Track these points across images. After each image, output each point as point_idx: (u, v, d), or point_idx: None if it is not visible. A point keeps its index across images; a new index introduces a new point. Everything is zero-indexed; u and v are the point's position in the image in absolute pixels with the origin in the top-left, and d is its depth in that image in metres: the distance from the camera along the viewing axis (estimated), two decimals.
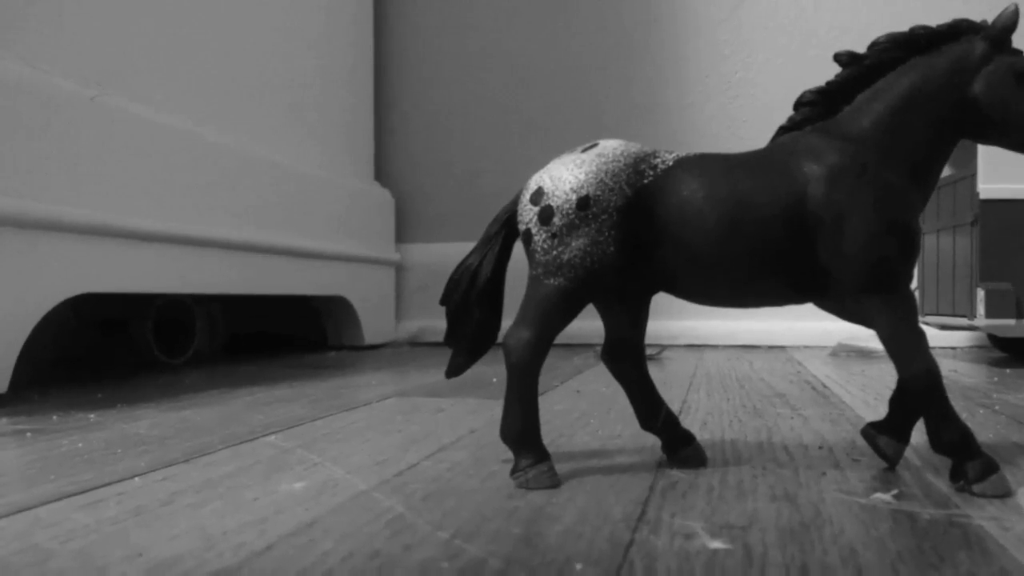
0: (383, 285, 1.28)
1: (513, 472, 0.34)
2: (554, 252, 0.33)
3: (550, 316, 0.34)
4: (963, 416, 0.35)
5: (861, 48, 0.36)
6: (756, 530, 0.27)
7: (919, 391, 0.33)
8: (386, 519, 0.29)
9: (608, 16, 1.32)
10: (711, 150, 0.37)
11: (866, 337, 1.03)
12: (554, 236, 0.33)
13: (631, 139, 0.38)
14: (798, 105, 0.36)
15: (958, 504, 0.31)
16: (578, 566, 0.24)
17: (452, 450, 0.42)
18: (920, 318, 1.01)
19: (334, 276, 1.10)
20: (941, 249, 0.97)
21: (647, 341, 0.39)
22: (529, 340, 0.34)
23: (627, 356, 0.38)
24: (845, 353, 1.03)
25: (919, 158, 0.34)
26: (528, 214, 0.34)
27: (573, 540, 0.26)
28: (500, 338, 0.36)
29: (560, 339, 0.38)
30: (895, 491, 0.32)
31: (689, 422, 0.48)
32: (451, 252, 1.35)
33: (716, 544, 0.26)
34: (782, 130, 0.36)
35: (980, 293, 0.83)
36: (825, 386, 0.69)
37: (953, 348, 1.13)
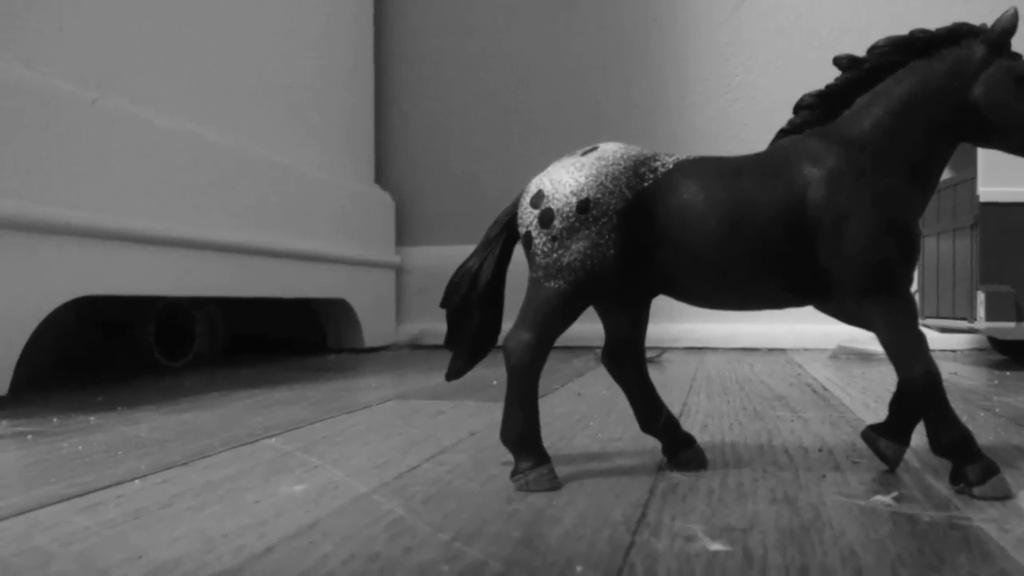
0: (383, 288, 1.28)
1: (513, 474, 0.34)
2: (554, 255, 0.33)
3: (550, 319, 0.34)
4: (963, 419, 0.35)
5: (861, 50, 0.36)
6: (756, 532, 0.27)
7: (919, 393, 0.33)
8: (386, 522, 0.29)
9: (608, 17, 1.32)
10: (711, 152, 0.37)
11: (866, 340, 1.03)
12: (554, 239, 0.33)
13: (631, 141, 0.38)
14: (797, 108, 0.36)
15: (958, 506, 0.31)
16: (578, 568, 0.24)
17: (452, 453, 0.42)
18: (920, 321, 1.01)
19: (334, 279, 1.11)
20: (941, 252, 0.97)
21: (647, 344, 0.39)
22: (529, 342, 0.34)
23: (627, 358, 0.38)
24: (845, 356, 1.03)
25: (918, 161, 0.34)
26: (528, 217, 0.34)
27: (573, 542, 0.26)
28: (500, 341, 0.36)
29: (560, 341, 0.38)
30: (895, 493, 0.32)
31: (689, 425, 0.48)
32: (451, 254, 1.35)
33: (716, 546, 0.26)
34: (782, 133, 0.36)
35: (980, 296, 0.83)
36: (825, 388, 0.69)
37: (953, 351, 1.13)
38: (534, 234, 0.34)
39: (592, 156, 0.35)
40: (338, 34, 1.19)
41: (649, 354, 0.96)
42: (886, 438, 0.37)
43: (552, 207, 0.34)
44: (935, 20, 0.38)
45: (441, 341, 1.38)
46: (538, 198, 0.34)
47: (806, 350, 1.17)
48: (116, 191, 0.70)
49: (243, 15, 0.94)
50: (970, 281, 0.87)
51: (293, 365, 0.96)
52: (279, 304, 1.22)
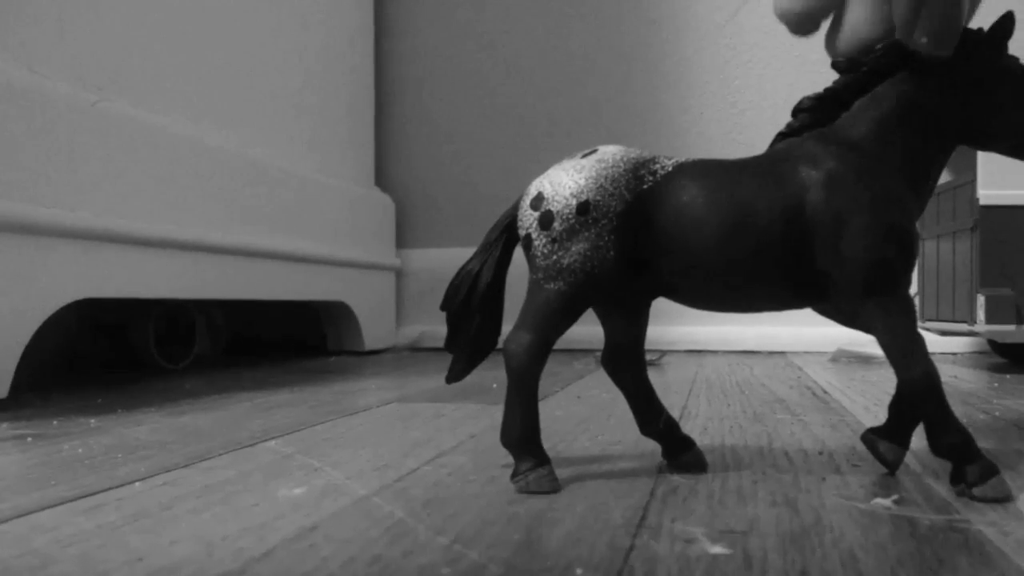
0: (383, 290, 1.28)
1: (513, 476, 0.34)
2: (554, 257, 0.33)
3: (550, 320, 0.34)
4: (963, 422, 0.35)
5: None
6: (756, 535, 0.27)
7: (918, 395, 0.33)
8: (386, 524, 0.29)
9: (608, 20, 1.32)
10: (711, 155, 0.37)
11: (866, 342, 1.03)
12: (554, 241, 0.33)
13: (631, 144, 0.38)
14: (796, 111, 0.36)
15: (958, 509, 0.31)
16: (579, 571, 0.24)
17: (452, 455, 0.42)
18: (920, 324, 1.01)
19: (334, 281, 1.11)
20: (941, 255, 0.97)
21: (647, 347, 0.39)
22: (529, 345, 0.34)
23: (627, 361, 0.38)
24: (845, 359, 1.03)
25: (916, 163, 0.34)
26: (528, 219, 0.34)
27: (574, 545, 0.26)
28: (500, 343, 0.36)
29: (560, 344, 0.38)
30: (895, 496, 0.32)
31: (690, 428, 0.48)
32: (451, 257, 1.35)
33: (716, 549, 0.26)
34: (780, 136, 0.36)
35: (980, 299, 0.83)
36: (825, 392, 0.69)
37: (953, 354, 1.13)
38: (534, 236, 0.34)
39: (592, 159, 0.35)
40: (338, 36, 1.19)
41: (649, 357, 0.96)
42: (886, 441, 0.37)
43: (552, 209, 0.34)
44: None
45: (441, 344, 1.38)
46: (538, 200, 0.34)
47: (806, 353, 1.17)
48: (117, 194, 0.70)
49: (243, 18, 0.94)
50: (970, 284, 0.87)
51: (293, 367, 0.96)
52: (280, 307, 1.22)
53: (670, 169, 0.35)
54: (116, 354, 0.97)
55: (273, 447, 0.44)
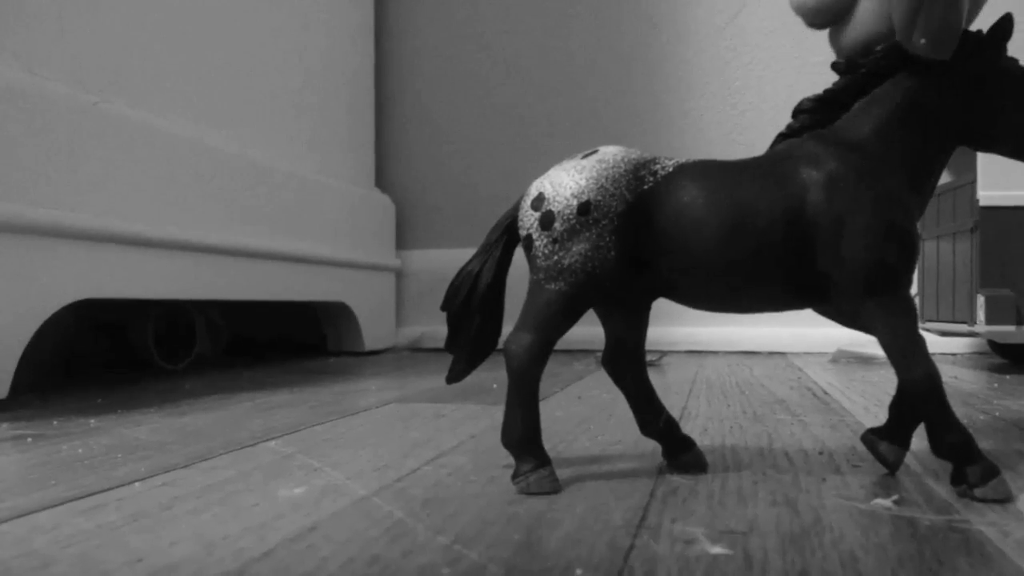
0: (383, 291, 1.28)
1: (514, 477, 0.34)
2: (555, 257, 0.33)
3: (551, 321, 0.34)
4: (963, 422, 0.35)
5: None
6: (756, 536, 0.27)
7: (919, 395, 0.33)
8: (386, 525, 0.29)
9: (608, 21, 1.32)
10: (710, 156, 0.37)
11: (866, 343, 1.03)
12: (555, 241, 0.33)
13: (631, 145, 0.38)
14: (796, 112, 0.36)
15: (958, 510, 0.31)
16: (578, 572, 0.24)
17: (452, 455, 0.42)
18: (920, 324, 1.01)
19: (334, 282, 1.11)
20: (941, 255, 0.97)
21: (647, 347, 0.39)
22: (530, 345, 0.34)
23: (628, 362, 0.38)
24: (845, 359, 1.03)
25: (916, 164, 0.34)
26: (529, 219, 0.34)
27: (573, 546, 0.26)
28: (501, 344, 0.36)
29: (561, 345, 0.38)
30: (895, 497, 0.32)
31: (690, 428, 0.48)
32: (451, 258, 1.35)
33: (716, 550, 0.26)
34: (781, 137, 0.36)
35: (980, 299, 0.83)
36: (825, 392, 0.69)
37: (953, 354, 1.13)
38: (535, 236, 0.34)
39: (593, 159, 0.35)
40: (338, 38, 1.19)
41: (649, 357, 0.96)
42: (887, 441, 0.37)
43: (553, 209, 0.34)
44: None
45: (441, 344, 1.38)
46: (539, 201, 0.34)
47: (806, 353, 1.17)
48: (117, 194, 0.70)
49: (243, 19, 0.94)
50: (970, 284, 0.87)
51: (293, 368, 0.96)
52: (279, 307, 1.22)
53: (671, 170, 0.35)
54: (116, 354, 0.97)
55: (273, 447, 0.44)
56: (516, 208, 0.36)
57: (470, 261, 0.37)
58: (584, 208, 0.33)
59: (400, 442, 0.46)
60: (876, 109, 0.34)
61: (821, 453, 0.42)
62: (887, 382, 0.77)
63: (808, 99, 0.36)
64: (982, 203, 0.84)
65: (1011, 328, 0.82)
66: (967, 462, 0.32)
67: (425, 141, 1.40)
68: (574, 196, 0.33)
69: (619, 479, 0.36)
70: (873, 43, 0.35)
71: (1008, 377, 0.81)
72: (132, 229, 0.70)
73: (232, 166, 0.88)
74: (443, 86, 1.39)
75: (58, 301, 0.63)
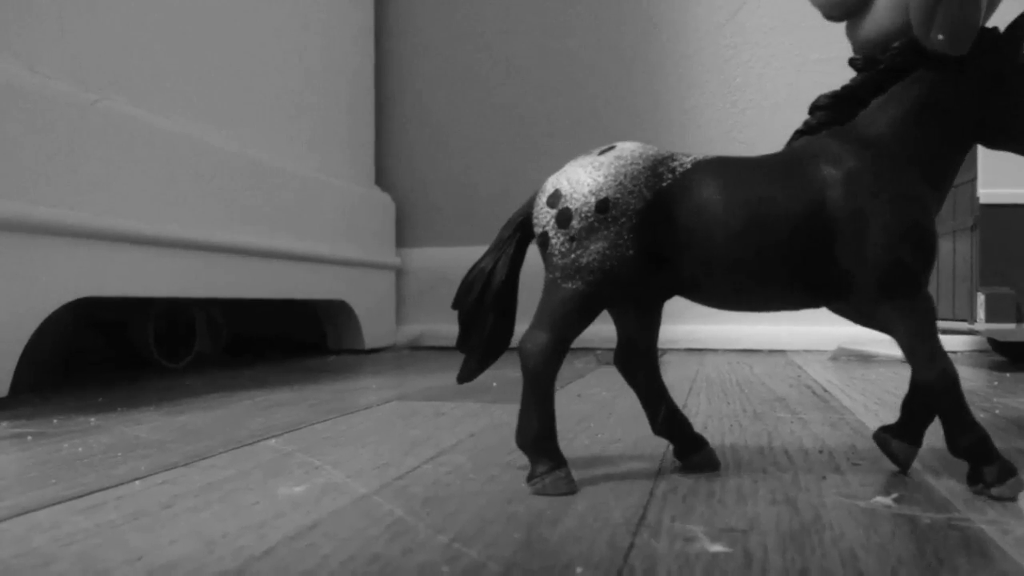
0: (383, 289, 1.28)
1: (530, 478, 0.34)
2: (572, 255, 0.33)
3: (567, 320, 0.33)
4: None
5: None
6: (756, 534, 0.27)
7: (936, 395, 0.33)
8: (386, 523, 0.29)
9: (608, 20, 1.32)
10: (711, 154, 0.37)
11: (866, 341, 1.03)
12: (572, 239, 0.33)
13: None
14: (814, 109, 0.36)
15: (958, 508, 0.31)
16: (578, 570, 0.24)
17: (452, 454, 0.42)
18: None
19: (334, 280, 1.11)
20: (941, 254, 0.97)
21: None
22: (546, 345, 0.33)
23: (640, 360, 0.38)
24: (845, 357, 1.03)
25: (934, 161, 0.34)
26: (545, 217, 0.34)
27: (573, 544, 0.26)
28: (514, 343, 0.36)
29: None
30: (895, 495, 0.32)
31: None
32: (451, 256, 1.36)
33: (716, 548, 0.26)
34: (798, 134, 0.36)
35: (980, 297, 0.83)
36: (825, 390, 0.69)
37: (953, 352, 1.13)
38: (551, 234, 0.33)
39: (610, 155, 0.34)
40: (338, 36, 1.19)
41: None
42: (898, 439, 0.37)
43: (570, 207, 0.33)
44: None
45: (441, 343, 1.38)
46: (555, 198, 0.34)
47: (806, 351, 1.17)
48: (117, 193, 0.70)
49: (244, 18, 0.94)
50: (970, 282, 0.87)
51: (293, 366, 0.96)
52: (280, 305, 1.22)
53: (689, 166, 0.34)
54: (116, 353, 0.97)
55: (273, 445, 0.44)
56: (530, 204, 0.36)
57: (483, 258, 0.36)
58: (603, 205, 0.33)
59: (400, 440, 0.46)
60: (893, 106, 0.34)
61: (821, 451, 0.42)
62: (887, 380, 0.77)
63: (825, 96, 0.36)
64: (982, 201, 0.84)
65: (1011, 326, 0.82)
66: (984, 462, 0.32)
67: (425, 140, 1.40)
68: (592, 193, 0.33)
69: (619, 477, 0.36)
70: (890, 37, 0.34)
71: (1008, 375, 0.81)
72: (132, 227, 0.70)
73: (232, 165, 0.88)
74: (443, 85, 1.39)
75: (58, 299, 0.63)
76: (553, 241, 0.33)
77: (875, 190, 0.32)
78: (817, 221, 0.32)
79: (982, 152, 0.82)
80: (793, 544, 0.26)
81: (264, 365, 0.98)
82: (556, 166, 0.36)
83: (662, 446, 0.43)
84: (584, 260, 0.33)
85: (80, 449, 0.44)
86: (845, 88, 0.35)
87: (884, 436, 0.37)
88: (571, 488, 0.33)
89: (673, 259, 0.34)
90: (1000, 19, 0.35)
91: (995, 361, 1.00)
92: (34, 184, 0.61)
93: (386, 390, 0.71)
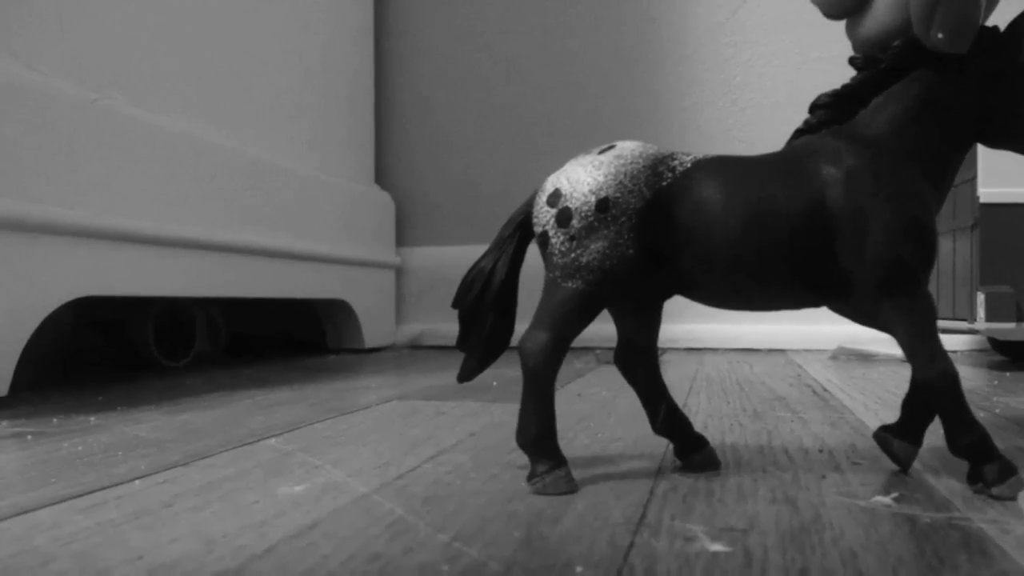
0: (383, 288, 1.28)
1: (530, 478, 0.34)
2: (572, 255, 0.33)
3: (567, 319, 0.33)
4: None
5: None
6: (756, 533, 0.27)
7: (937, 394, 0.33)
8: (386, 522, 0.29)
9: (608, 20, 1.32)
10: (711, 153, 0.37)
11: (866, 340, 1.04)
12: (572, 238, 0.33)
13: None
14: (814, 108, 0.36)
15: (958, 507, 0.31)
16: (578, 569, 0.24)
17: (452, 453, 0.42)
18: None
19: (334, 279, 1.11)
20: (941, 253, 0.97)
21: None
22: (546, 344, 0.33)
23: (640, 359, 0.38)
24: (845, 356, 1.03)
25: (934, 161, 0.34)
26: (545, 216, 0.34)
27: (573, 543, 0.26)
28: (514, 342, 0.36)
29: None
30: (895, 494, 0.32)
31: None
32: (451, 255, 1.36)
33: (716, 547, 0.26)
34: (798, 132, 0.36)
35: (980, 296, 0.83)
36: (825, 389, 0.69)
37: (953, 352, 1.13)
38: (551, 233, 0.33)
39: (610, 155, 0.34)
40: (338, 35, 1.19)
41: None
42: (899, 439, 0.37)
43: (570, 206, 0.33)
44: None
45: (441, 342, 1.38)
46: (555, 197, 0.34)
47: (806, 351, 1.17)
48: (117, 192, 0.70)
49: (244, 18, 0.94)
50: (970, 282, 0.87)
51: (293, 365, 0.96)
52: (279, 304, 1.22)
53: (689, 165, 0.34)
54: (116, 352, 0.97)
55: (273, 445, 0.44)
56: (529, 204, 0.36)
57: (483, 257, 0.36)
58: (603, 205, 0.33)
59: (400, 439, 0.46)
60: (893, 105, 0.34)
61: (821, 450, 0.42)
62: (887, 379, 0.77)
63: (826, 95, 0.36)
64: (982, 200, 0.84)
65: (1011, 325, 0.82)
66: (984, 461, 0.32)
67: (425, 139, 1.40)
68: (592, 192, 0.33)
69: (619, 477, 0.36)
70: (890, 35, 0.34)
71: (1008, 374, 0.81)
72: (132, 226, 0.70)
73: (232, 164, 0.88)
74: (443, 85, 1.39)
75: (58, 298, 0.63)
76: (553, 240, 0.33)
77: (875, 189, 0.32)
78: (817, 220, 0.32)
79: (982, 151, 0.82)
80: (793, 543, 0.26)
81: (264, 364, 0.98)
82: (556, 165, 0.36)
83: (662, 445, 0.43)
84: (584, 259, 0.33)
85: (80, 448, 0.44)
86: (845, 87, 0.35)
87: (885, 435, 0.37)
88: (571, 487, 0.33)
89: (673, 258, 0.34)
90: (1001, 19, 0.35)
91: (995, 360, 1.00)
92: (34, 183, 0.61)
93: (386, 389, 0.71)
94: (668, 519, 0.29)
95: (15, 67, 0.61)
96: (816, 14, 0.38)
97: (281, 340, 1.32)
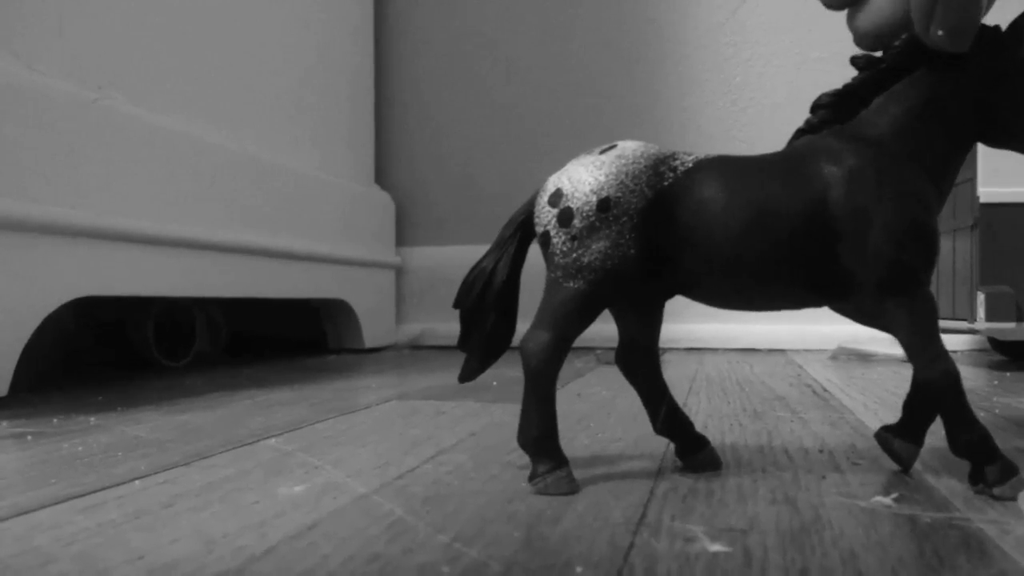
0: (383, 288, 1.28)
1: (531, 478, 0.34)
2: (574, 255, 0.33)
3: (569, 319, 0.33)
4: None
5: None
6: (756, 533, 0.27)
7: (938, 393, 0.33)
8: (386, 522, 0.29)
9: (608, 20, 1.32)
10: (712, 153, 0.37)
11: (866, 340, 1.04)
12: (574, 238, 0.33)
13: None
14: (815, 107, 0.36)
15: (958, 507, 0.31)
16: (578, 569, 0.24)
17: (452, 453, 0.42)
18: None
19: (334, 279, 1.11)
20: (942, 253, 0.97)
21: None
22: (547, 344, 0.33)
23: (641, 359, 0.38)
24: (845, 356, 1.03)
25: (936, 160, 0.34)
26: (546, 216, 0.34)
27: (574, 543, 0.26)
28: (515, 342, 0.36)
29: None
30: (895, 494, 0.32)
31: None
32: (451, 255, 1.36)
33: (716, 547, 0.26)
34: (800, 132, 0.36)
35: (980, 296, 0.83)
36: (825, 389, 0.69)
37: (953, 352, 1.13)
38: (552, 233, 0.33)
39: (612, 154, 0.34)
40: (338, 35, 1.19)
41: None
42: (900, 439, 0.37)
43: (572, 206, 0.33)
44: None
45: (441, 342, 1.38)
46: (556, 197, 0.34)
47: (806, 351, 1.17)
48: (117, 192, 0.70)
49: (244, 17, 0.94)
50: (970, 282, 0.87)
51: (293, 365, 0.96)
52: (279, 304, 1.22)
53: (690, 165, 0.34)
54: (116, 352, 0.97)
55: (273, 445, 0.44)
56: (531, 204, 0.35)
57: (484, 257, 0.36)
58: (604, 205, 0.33)
59: (400, 440, 0.46)
60: (895, 105, 0.34)
61: (821, 450, 0.42)
62: (887, 379, 0.77)
63: (827, 94, 0.36)
64: (982, 200, 0.84)
65: (1011, 325, 0.82)
66: (985, 461, 0.32)
67: (425, 138, 1.40)
68: (594, 192, 0.33)
69: (619, 477, 0.36)
70: (891, 27, 0.34)
71: (1008, 374, 0.81)
72: (132, 226, 0.70)
73: (232, 163, 0.88)
74: (443, 84, 1.39)
75: (58, 298, 0.63)
76: (554, 240, 0.33)
77: (877, 188, 0.32)
78: (819, 220, 0.32)
79: (982, 151, 0.82)
80: (793, 544, 0.26)
81: (264, 364, 0.98)
82: (556, 165, 0.36)
83: (662, 445, 0.43)
84: (586, 259, 0.33)
85: (80, 448, 0.44)
86: (846, 87, 0.35)
87: (886, 435, 0.37)
88: (573, 488, 0.33)
89: (674, 258, 0.34)
90: (1002, 18, 0.35)
91: (995, 360, 1.00)
92: (34, 183, 0.61)
93: (386, 389, 0.71)
94: (668, 519, 0.29)
95: (15, 67, 0.61)
96: (817, 11, 0.38)
97: (281, 340, 1.32)
